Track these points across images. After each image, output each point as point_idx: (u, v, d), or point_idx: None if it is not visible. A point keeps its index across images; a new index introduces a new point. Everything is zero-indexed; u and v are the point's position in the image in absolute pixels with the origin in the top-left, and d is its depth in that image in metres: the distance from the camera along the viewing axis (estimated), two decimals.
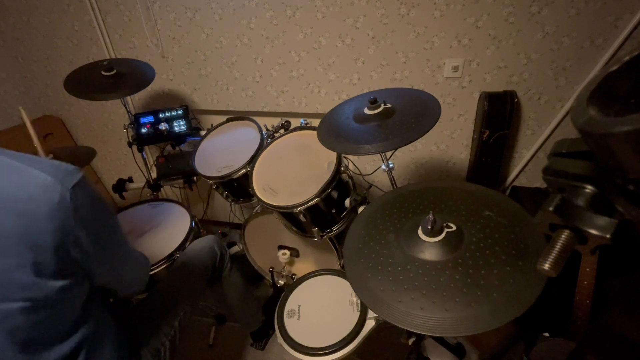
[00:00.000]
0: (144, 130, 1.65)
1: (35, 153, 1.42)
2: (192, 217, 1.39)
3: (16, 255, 0.60)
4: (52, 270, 0.63)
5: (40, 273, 0.62)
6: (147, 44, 1.75)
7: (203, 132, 1.61)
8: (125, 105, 1.69)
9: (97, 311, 0.79)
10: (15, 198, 0.59)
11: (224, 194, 1.44)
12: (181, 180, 1.73)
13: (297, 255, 1.51)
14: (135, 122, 1.66)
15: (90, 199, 0.68)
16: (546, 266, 0.44)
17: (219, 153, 1.47)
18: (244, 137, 1.48)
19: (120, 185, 1.75)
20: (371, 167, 1.74)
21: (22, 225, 0.59)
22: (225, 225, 2.20)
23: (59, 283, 0.65)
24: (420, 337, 1.12)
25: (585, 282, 1.07)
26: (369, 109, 1.02)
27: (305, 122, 1.44)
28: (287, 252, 1.47)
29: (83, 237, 0.66)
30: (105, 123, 2.11)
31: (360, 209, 1.17)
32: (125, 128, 1.68)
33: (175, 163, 1.71)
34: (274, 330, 1.20)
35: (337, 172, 1.17)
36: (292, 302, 1.17)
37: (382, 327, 1.05)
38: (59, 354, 0.70)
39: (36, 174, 0.62)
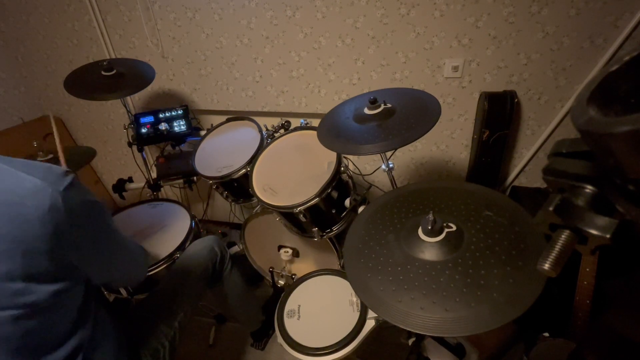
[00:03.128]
0: (144, 130, 1.65)
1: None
2: (192, 217, 1.39)
3: (7, 261, 0.58)
4: (45, 275, 0.62)
5: (32, 278, 0.60)
6: (147, 44, 1.75)
7: (203, 132, 1.61)
8: (125, 105, 1.69)
9: (95, 313, 0.78)
10: (5, 203, 0.57)
11: (224, 194, 1.44)
12: (181, 180, 1.73)
13: (297, 255, 1.51)
14: (135, 122, 1.66)
15: (84, 200, 0.67)
16: (546, 266, 0.44)
17: (219, 153, 1.47)
18: (244, 137, 1.48)
19: (120, 185, 1.75)
20: (371, 167, 1.74)
21: (14, 232, 0.57)
22: (225, 225, 2.20)
23: (53, 287, 0.64)
24: (420, 337, 1.12)
25: (585, 282, 1.07)
26: (369, 109, 1.02)
27: (305, 122, 1.44)
28: (290, 250, 1.47)
29: (79, 240, 0.65)
30: (105, 123, 2.11)
31: (360, 209, 1.17)
32: (125, 128, 1.68)
33: (175, 163, 1.71)
34: (274, 330, 1.20)
35: (337, 172, 1.17)
36: (292, 302, 1.17)
37: (382, 327, 1.05)
38: (56, 358, 0.69)
39: (26, 177, 0.60)
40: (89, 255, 0.70)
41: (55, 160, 1.39)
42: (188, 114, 1.70)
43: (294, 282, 1.24)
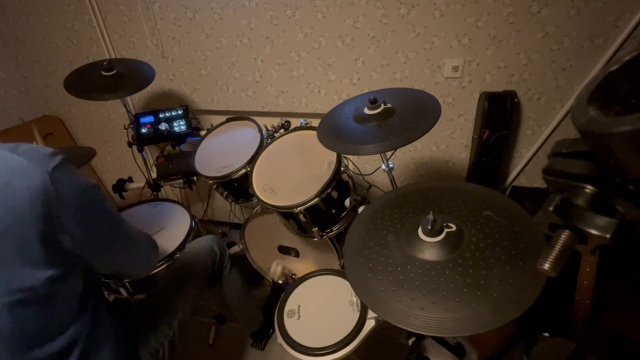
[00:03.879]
0: (144, 130, 1.65)
1: None
2: (192, 217, 1.39)
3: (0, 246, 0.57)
4: (39, 260, 0.61)
5: (26, 263, 0.59)
6: (147, 44, 1.75)
7: (203, 132, 1.61)
8: (125, 105, 1.69)
9: (93, 309, 0.77)
10: None
11: (224, 194, 1.44)
12: (181, 180, 1.73)
13: (297, 255, 1.51)
14: (135, 122, 1.66)
15: (74, 181, 0.65)
16: (546, 266, 0.44)
17: (219, 153, 1.47)
18: (244, 137, 1.48)
19: (120, 185, 1.75)
20: (371, 167, 1.74)
21: (3, 215, 0.56)
22: (225, 225, 2.20)
23: (48, 273, 0.62)
24: (420, 337, 1.13)
25: (585, 282, 1.07)
26: (369, 109, 1.02)
27: (305, 122, 1.44)
28: (280, 265, 1.52)
29: (70, 222, 0.63)
30: (105, 123, 2.11)
31: (360, 209, 1.17)
32: (125, 128, 1.68)
33: (175, 163, 1.71)
34: (274, 330, 1.20)
35: (337, 172, 1.17)
36: (292, 302, 1.17)
37: (382, 327, 1.05)
38: (50, 351, 0.68)
39: (11, 157, 0.58)
40: (83, 240, 0.68)
41: None
42: (188, 114, 1.69)
43: (294, 282, 1.24)
